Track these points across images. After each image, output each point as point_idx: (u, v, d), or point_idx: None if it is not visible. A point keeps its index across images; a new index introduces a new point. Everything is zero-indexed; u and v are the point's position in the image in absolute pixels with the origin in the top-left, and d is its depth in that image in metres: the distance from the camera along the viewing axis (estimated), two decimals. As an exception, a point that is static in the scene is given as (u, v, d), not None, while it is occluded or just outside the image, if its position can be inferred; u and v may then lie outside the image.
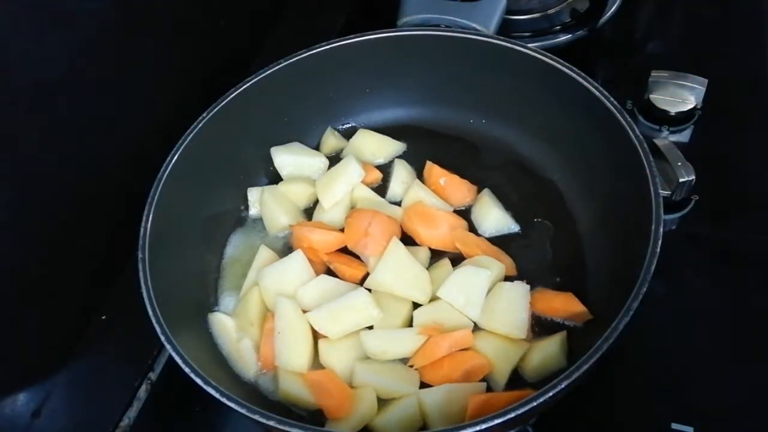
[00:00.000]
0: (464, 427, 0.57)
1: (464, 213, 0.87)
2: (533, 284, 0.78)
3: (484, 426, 0.57)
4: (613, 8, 1.08)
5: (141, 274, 0.71)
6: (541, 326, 0.77)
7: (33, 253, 0.77)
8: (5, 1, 0.68)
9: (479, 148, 0.94)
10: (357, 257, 0.82)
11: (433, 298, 0.77)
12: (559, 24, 1.08)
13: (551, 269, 0.81)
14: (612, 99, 0.78)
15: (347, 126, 0.99)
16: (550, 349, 0.73)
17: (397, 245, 0.78)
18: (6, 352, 0.76)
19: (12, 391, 0.80)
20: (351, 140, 0.95)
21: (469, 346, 0.73)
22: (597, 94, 0.79)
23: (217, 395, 0.62)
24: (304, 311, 0.76)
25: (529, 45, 0.85)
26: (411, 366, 0.73)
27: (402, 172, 0.91)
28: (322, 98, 0.95)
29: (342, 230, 0.84)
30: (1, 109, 0.70)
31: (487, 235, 0.85)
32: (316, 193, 0.89)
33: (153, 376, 0.83)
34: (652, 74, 0.96)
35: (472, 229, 0.86)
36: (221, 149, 0.87)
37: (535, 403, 0.58)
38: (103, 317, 0.87)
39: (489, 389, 0.72)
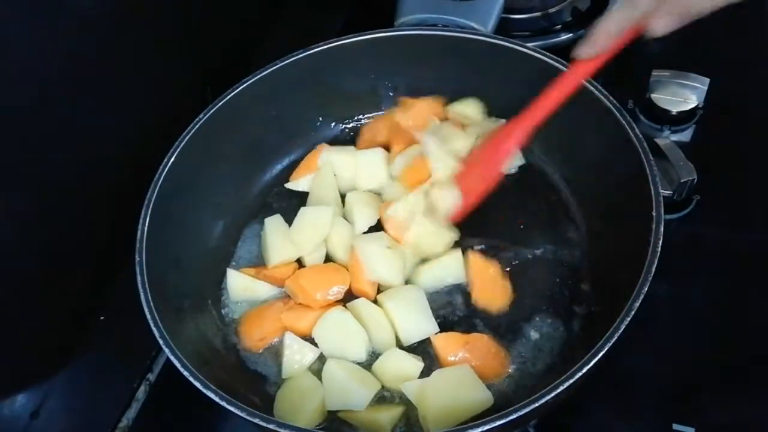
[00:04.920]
0: (465, 429, 0.57)
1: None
2: (533, 284, 0.79)
3: (486, 427, 0.57)
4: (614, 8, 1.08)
5: (138, 277, 0.71)
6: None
7: (32, 254, 0.77)
8: (5, 2, 0.68)
9: (479, 148, 0.94)
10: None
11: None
12: (560, 23, 1.07)
13: (551, 269, 0.81)
14: (612, 99, 0.77)
15: (346, 126, 0.98)
16: None
17: None
18: (5, 352, 0.76)
19: (11, 392, 0.80)
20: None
21: None
22: (597, 93, 0.78)
23: (216, 398, 0.62)
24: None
25: (529, 44, 0.85)
26: None
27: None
28: (321, 98, 0.95)
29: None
30: (1, 110, 0.69)
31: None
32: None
33: (151, 377, 0.83)
34: (653, 73, 0.95)
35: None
36: (219, 150, 0.87)
37: (536, 405, 0.58)
38: (102, 318, 0.86)
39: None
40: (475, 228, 0.84)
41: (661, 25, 0.67)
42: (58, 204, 0.79)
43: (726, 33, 1.08)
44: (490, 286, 0.79)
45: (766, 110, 0.98)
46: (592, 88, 0.79)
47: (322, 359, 0.76)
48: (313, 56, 0.89)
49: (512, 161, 0.89)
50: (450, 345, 0.74)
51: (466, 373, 0.71)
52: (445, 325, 0.77)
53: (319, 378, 0.74)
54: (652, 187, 0.70)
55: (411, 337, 0.76)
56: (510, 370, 0.74)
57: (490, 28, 0.92)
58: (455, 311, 0.79)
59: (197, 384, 0.63)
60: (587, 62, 0.72)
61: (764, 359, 0.76)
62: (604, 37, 0.69)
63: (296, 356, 0.76)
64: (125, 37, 0.84)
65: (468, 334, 0.76)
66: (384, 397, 0.74)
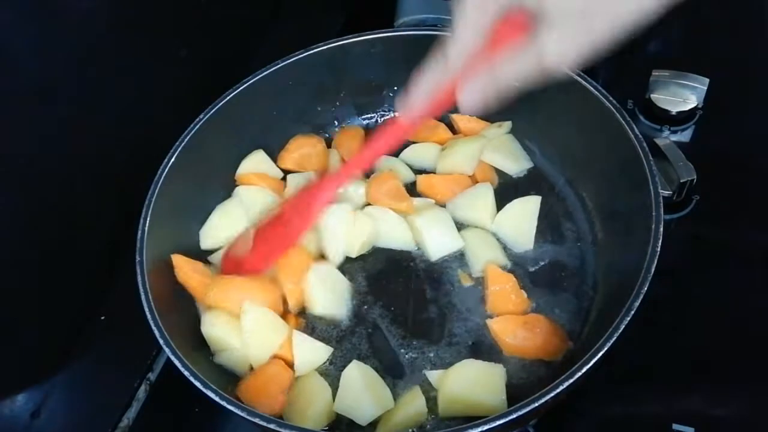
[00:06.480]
0: (465, 429, 0.57)
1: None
2: (533, 284, 0.79)
3: (486, 427, 0.57)
4: (614, 7, 1.08)
5: (139, 277, 0.71)
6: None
7: (32, 254, 0.77)
8: (5, 2, 0.68)
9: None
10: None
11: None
12: (559, 23, 1.07)
13: (551, 269, 0.81)
14: (612, 99, 0.77)
15: (346, 125, 0.98)
16: None
17: None
18: (5, 352, 0.76)
19: (11, 392, 0.79)
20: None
21: None
22: (597, 93, 0.78)
23: (216, 398, 0.62)
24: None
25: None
26: None
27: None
28: (321, 98, 0.95)
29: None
30: (1, 110, 0.69)
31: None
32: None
33: (152, 376, 0.83)
34: (653, 74, 0.95)
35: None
36: (219, 150, 0.87)
37: (536, 404, 0.58)
38: (103, 318, 0.86)
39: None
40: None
41: (468, 98, 0.58)
42: (58, 204, 0.79)
43: (726, 33, 1.08)
44: (507, 300, 0.77)
45: (765, 110, 0.98)
46: (591, 88, 0.79)
47: (333, 362, 0.76)
48: (313, 56, 0.90)
49: (520, 165, 0.89)
50: (508, 327, 0.74)
51: (495, 373, 0.70)
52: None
53: (327, 380, 0.73)
54: (652, 187, 0.70)
55: (438, 251, 0.81)
56: (570, 346, 0.73)
57: (490, 29, 0.92)
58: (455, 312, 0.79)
59: (197, 384, 0.63)
60: (407, 120, 0.66)
61: (764, 359, 0.76)
62: (420, 98, 0.63)
63: (308, 356, 0.74)
64: (125, 37, 0.84)
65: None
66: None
